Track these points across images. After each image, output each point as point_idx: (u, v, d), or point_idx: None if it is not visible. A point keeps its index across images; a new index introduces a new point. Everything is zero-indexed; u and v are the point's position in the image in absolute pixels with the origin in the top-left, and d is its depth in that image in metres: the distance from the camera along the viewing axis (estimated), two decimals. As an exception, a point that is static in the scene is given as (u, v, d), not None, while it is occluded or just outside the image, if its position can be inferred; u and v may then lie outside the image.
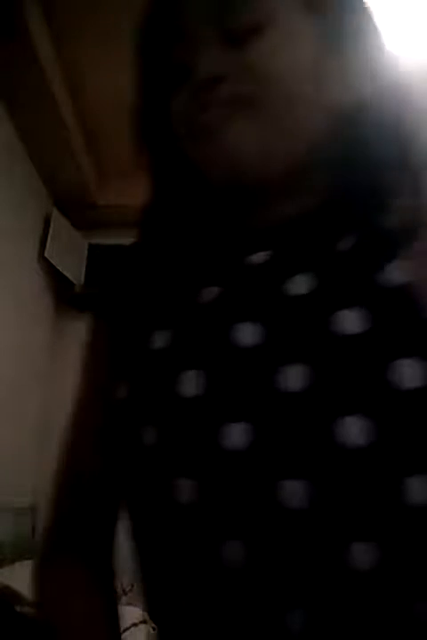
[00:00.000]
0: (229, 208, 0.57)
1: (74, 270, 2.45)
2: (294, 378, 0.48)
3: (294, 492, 0.45)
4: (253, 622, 0.46)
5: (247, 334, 0.50)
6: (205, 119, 0.51)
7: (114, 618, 0.57)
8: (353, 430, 0.45)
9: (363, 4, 0.57)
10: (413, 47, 1.85)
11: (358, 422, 0.45)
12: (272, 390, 0.48)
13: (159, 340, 0.54)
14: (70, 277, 2.42)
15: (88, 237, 2.51)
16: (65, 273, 2.39)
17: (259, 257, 0.53)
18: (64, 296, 2.45)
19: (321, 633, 0.45)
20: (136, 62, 0.59)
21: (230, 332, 0.50)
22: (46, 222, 2.36)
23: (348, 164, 0.54)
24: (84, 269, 2.49)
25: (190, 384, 0.49)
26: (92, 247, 2.50)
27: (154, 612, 0.53)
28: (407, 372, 0.46)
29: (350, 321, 0.48)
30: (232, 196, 0.55)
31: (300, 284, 0.51)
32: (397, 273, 0.49)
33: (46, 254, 2.29)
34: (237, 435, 0.47)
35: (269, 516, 0.46)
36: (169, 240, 0.59)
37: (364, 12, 0.58)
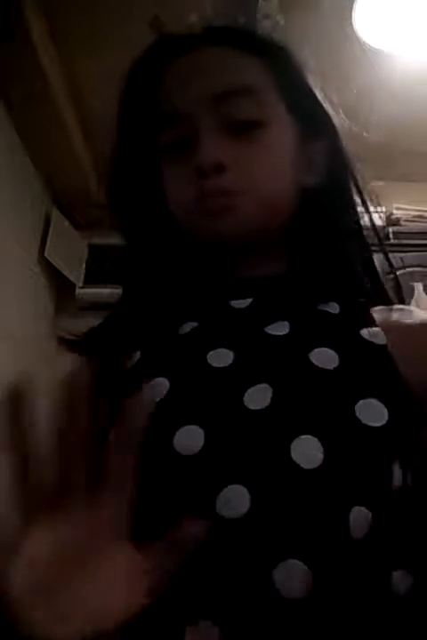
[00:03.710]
0: (212, 264, 0.64)
1: (74, 270, 2.45)
2: (258, 396, 0.51)
3: (235, 497, 0.46)
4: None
5: (221, 357, 0.55)
6: (211, 206, 0.59)
7: None
8: (307, 450, 0.48)
9: (325, 103, 0.66)
10: (413, 47, 1.85)
11: (313, 443, 0.48)
12: (235, 404, 0.51)
13: (133, 359, 0.59)
14: (70, 277, 2.42)
15: (88, 237, 2.51)
16: (65, 273, 2.39)
17: (241, 303, 0.61)
18: (64, 296, 2.45)
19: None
20: (123, 130, 0.65)
21: (205, 355, 0.56)
22: (46, 222, 2.35)
23: (309, 235, 0.64)
24: (84, 269, 2.49)
25: (156, 392, 0.54)
26: (92, 247, 2.50)
27: None
28: (370, 412, 0.50)
29: (324, 358, 0.53)
30: (220, 255, 0.63)
31: (279, 328, 0.57)
32: (375, 336, 0.56)
33: (46, 254, 2.28)
34: (190, 437, 0.50)
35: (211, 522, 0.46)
36: (153, 284, 0.65)
37: (327, 110, 0.66)
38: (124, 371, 0.59)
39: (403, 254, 2.12)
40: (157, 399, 0.53)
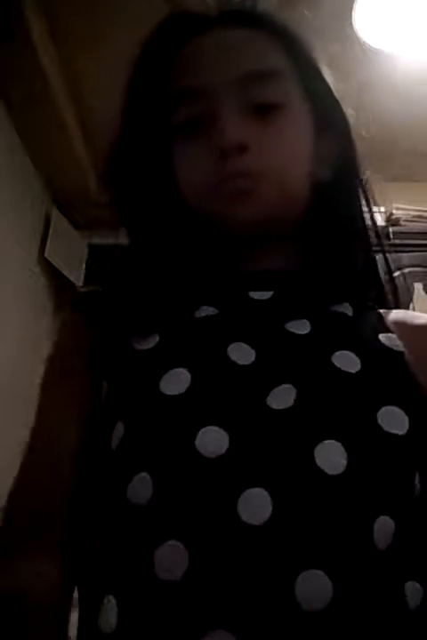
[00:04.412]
0: (220, 252, 0.62)
1: (74, 270, 2.45)
2: (282, 397, 0.50)
3: (257, 501, 0.45)
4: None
5: (243, 354, 0.54)
6: (231, 188, 0.57)
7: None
8: (331, 455, 0.47)
9: (337, 97, 0.65)
10: (413, 47, 1.85)
11: (337, 448, 0.47)
12: (258, 405, 0.50)
13: (149, 341, 0.56)
14: (70, 277, 2.42)
15: (88, 237, 2.51)
16: (65, 273, 2.39)
17: (261, 294, 0.59)
18: (64, 296, 2.45)
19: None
20: (132, 108, 0.63)
21: (226, 348, 0.54)
22: (46, 222, 2.35)
23: (321, 231, 0.62)
24: (84, 269, 2.49)
25: (175, 383, 0.51)
26: (92, 247, 2.50)
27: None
28: (392, 419, 0.49)
29: (346, 361, 0.53)
30: (231, 243, 0.61)
31: (300, 326, 0.57)
32: (394, 342, 0.56)
33: (46, 254, 2.28)
34: (215, 439, 0.48)
35: (226, 528, 0.45)
36: (162, 265, 0.61)
37: (339, 104, 0.65)
38: (136, 352, 0.55)
39: (403, 254, 2.12)
40: (178, 392, 0.51)
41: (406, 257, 2.12)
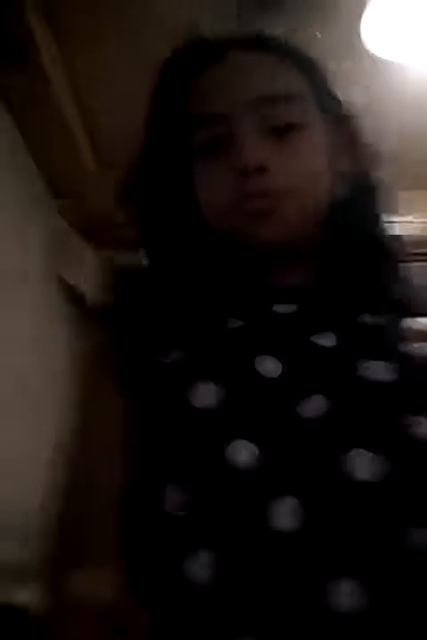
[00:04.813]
0: (242, 269, 0.64)
1: (76, 271, 2.44)
2: (313, 407, 0.51)
3: (288, 510, 0.46)
4: None
5: (270, 367, 0.55)
6: (253, 207, 0.59)
7: None
8: (361, 464, 0.47)
9: (354, 114, 0.67)
10: (413, 50, 1.83)
11: (368, 457, 0.48)
12: (289, 416, 0.51)
13: (176, 354, 0.57)
14: (73, 279, 2.41)
15: (101, 252, 2.50)
16: (66, 275, 2.39)
17: (285, 308, 0.61)
18: (67, 297, 2.45)
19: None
20: (153, 133, 0.65)
21: (253, 361, 0.56)
22: (49, 223, 2.34)
23: (339, 246, 0.64)
24: (85, 271, 2.49)
25: (205, 396, 0.53)
26: (104, 262, 2.50)
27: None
28: (424, 429, 0.49)
29: (377, 371, 0.54)
30: (253, 261, 0.63)
31: (326, 339, 0.58)
32: (418, 351, 0.57)
33: (49, 255, 2.28)
34: (245, 451, 0.49)
35: (258, 537, 0.46)
36: (188, 280, 0.63)
37: (356, 121, 0.67)
38: (163, 365, 0.57)
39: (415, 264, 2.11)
40: (208, 405, 0.52)
41: (417, 266, 2.11)
